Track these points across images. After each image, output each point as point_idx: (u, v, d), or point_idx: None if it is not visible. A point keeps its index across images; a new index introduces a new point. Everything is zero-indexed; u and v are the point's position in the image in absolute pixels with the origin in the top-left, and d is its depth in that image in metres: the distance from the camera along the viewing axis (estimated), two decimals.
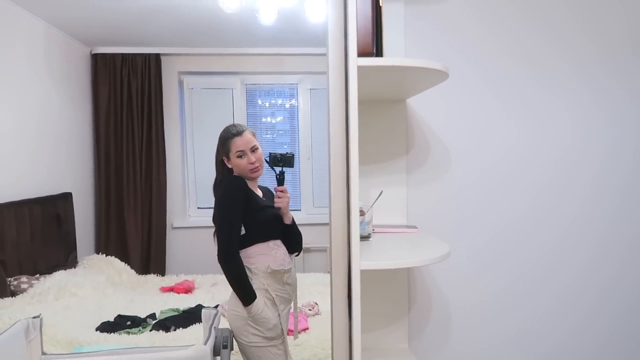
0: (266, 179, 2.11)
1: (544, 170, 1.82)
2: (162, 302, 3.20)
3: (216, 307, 2.67)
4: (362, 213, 1.42)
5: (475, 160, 1.79)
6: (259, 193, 2.08)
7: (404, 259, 1.28)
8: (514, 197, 1.81)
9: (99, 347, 2.41)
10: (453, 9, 1.74)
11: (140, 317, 2.87)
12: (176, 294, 3.47)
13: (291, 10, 3.29)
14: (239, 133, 1.99)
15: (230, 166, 2.02)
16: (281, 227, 2.05)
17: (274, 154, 2.03)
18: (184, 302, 3.19)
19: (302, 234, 2.13)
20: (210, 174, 2.12)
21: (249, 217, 1.95)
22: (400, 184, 1.72)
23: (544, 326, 1.86)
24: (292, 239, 2.09)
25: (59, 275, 3.15)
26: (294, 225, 2.09)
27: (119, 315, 2.88)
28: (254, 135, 2.03)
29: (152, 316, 2.91)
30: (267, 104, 4.83)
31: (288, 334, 2.11)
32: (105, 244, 4.33)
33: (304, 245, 2.17)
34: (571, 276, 1.85)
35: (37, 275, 3.17)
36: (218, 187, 2.05)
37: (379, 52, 1.31)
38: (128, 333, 2.65)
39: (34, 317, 1.87)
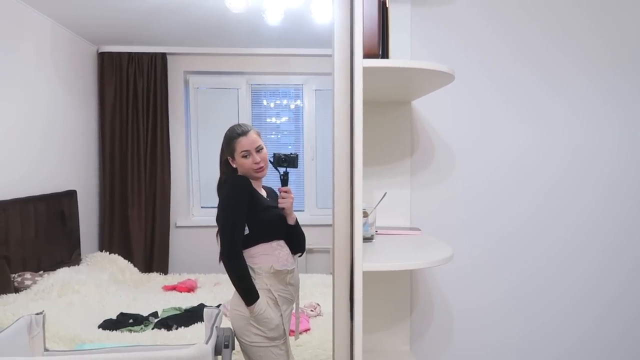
0: (270, 179, 2.11)
1: (551, 173, 1.80)
2: (165, 301, 3.21)
3: (218, 306, 2.67)
4: (365, 214, 1.42)
5: (481, 163, 1.78)
6: (263, 193, 2.08)
7: (406, 260, 1.27)
8: (519, 201, 1.80)
9: (101, 344, 2.42)
10: (460, 10, 1.73)
11: (142, 316, 2.88)
12: (179, 293, 3.48)
13: (297, 10, 3.29)
14: (244, 133, 1.99)
15: (234, 166, 2.02)
16: (285, 228, 2.05)
17: (278, 154, 2.03)
18: (186, 301, 3.19)
19: (306, 235, 2.13)
20: (215, 173, 2.12)
21: (252, 217, 1.95)
22: (404, 186, 1.72)
23: (548, 333, 1.85)
24: (296, 240, 2.09)
25: (63, 272, 3.16)
26: (297, 226, 2.09)
27: (121, 313, 2.88)
28: (259, 135, 2.03)
29: (155, 314, 2.92)
30: (272, 105, 4.84)
31: (290, 335, 2.11)
32: (109, 242, 4.34)
33: (307, 246, 2.17)
34: (578, 282, 1.83)
35: (41, 272, 3.18)
36: (222, 186, 2.05)
37: (384, 54, 1.31)
38: (130, 331, 2.66)
39: (37, 314, 1.88)
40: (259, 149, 1.99)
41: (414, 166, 1.75)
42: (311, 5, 3.15)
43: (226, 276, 1.93)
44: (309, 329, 2.67)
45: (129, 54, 4.39)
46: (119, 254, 3.92)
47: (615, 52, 1.78)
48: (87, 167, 4.26)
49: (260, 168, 2.00)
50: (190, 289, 3.56)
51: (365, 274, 1.16)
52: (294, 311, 2.12)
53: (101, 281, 3.32)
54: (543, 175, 1.80)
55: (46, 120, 3.60)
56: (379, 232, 1.58)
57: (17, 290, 2.90)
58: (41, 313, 1.89)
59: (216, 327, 1.92)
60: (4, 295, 2.74)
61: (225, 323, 2.09)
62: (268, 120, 4.83)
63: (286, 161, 2.02)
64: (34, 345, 1.84)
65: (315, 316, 2.89)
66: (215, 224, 1.97)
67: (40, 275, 3.08)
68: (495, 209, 1.80)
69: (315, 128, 4.75)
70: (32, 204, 3.26)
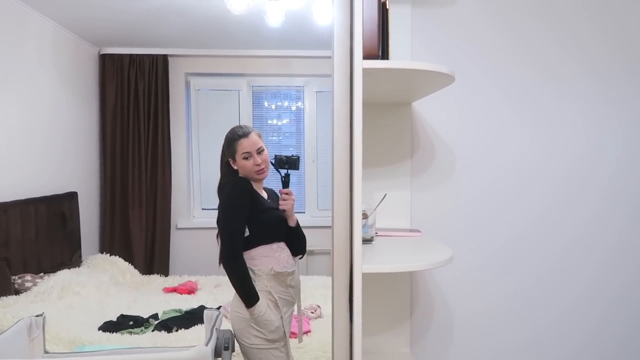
0: (271, 181, 2.11)
1: (554, 176, 1.79)
2: (165, 303, 3.21)
3: (218, 308, 2.66)
4: (365, 216, 1.42)
5: (482, 164, 1.78)
6: (264, 195, 2.07)
7: (406, 262, 1.27)
8: (520, 203, 1.80)
9: (101, 346, 2.42)
10: (461, 11, 1.73)
11: (142, 317, 2.87)
12: (179, 295, 3.47)
13: (298, 12, 3.29)
14: (245, 134, 1.99)
15: (235, 167, 2.02)
16: (285, 230, 2.04)
17: (280, 156, 2.03)
18: (187, 303, 3.19)
19: (306, 237, 2.13)
20: (215, 175, 2.12)
21: (253, 218, 1.95)
22: (405, 187, 1.72)
23: (550, 337, 1.84)
24: (296, 242, 2.08)
25: (63, 274, 3.16)
26: (298, 227, 2.09)
27: (121, 315, 2.88)
28: (260, 136, 2.03)
29: (155, 316, 2.92)
30: (273, 106, 4.84)
31: (291, 337, 2.10)
32: (110, 244, 4.34)
33: (307, 248, 2.16)
34: (580, 287, 1.82)
35: (41, 273, 3.18)
36: (223, 188, 2.05)
37: (384, 55, 1.30)
38: (130, 333, 2.66)
39: (37, 316, 1.88)
40: (260, 151, 1.99)
41: (414, 168, 1.74)
42: (312, 7, 3.15)
43: (227, 278, 1.93)
44: (309, 331, 2.66)
45: (130, 55, 4.39)
46: (119, 256, 3.92)
47: (618, 55, 1.77)
48: (88, 168, 4.26)
49: (261, 170, 1.99)
50: (190, 290, 3.56)
51: (365, 275, 1.15)
52: (295, 313, 2.11)
53: (101, 283, 3.32)
54: (545, 177, 1.79)
55: (47, 121, 3.61)
56: (378, 233, 1.57)
57: (17, 292, 2.90)
58: (41, 315, 1.89)
59: (216, 329, 1.92)
60: (4, 297, 2.74)
61: (226, 325, 2.09)
62: (269, 121, 4.83)
63: (287, 163, 2.02)
64: (33, 348, 1.84)
65: (316, 318, 2.88)
66: (216, 225, 1.97)
67: (41, 277, 3.08)
68: (496, 211, 1.79)
69: (316, 130, 4.75)
70: (33, 206, 3.26)
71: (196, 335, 2.60)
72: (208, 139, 4.72)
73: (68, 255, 3.69)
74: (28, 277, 3.02)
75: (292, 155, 2.03)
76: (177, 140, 4.58)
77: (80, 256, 3.84)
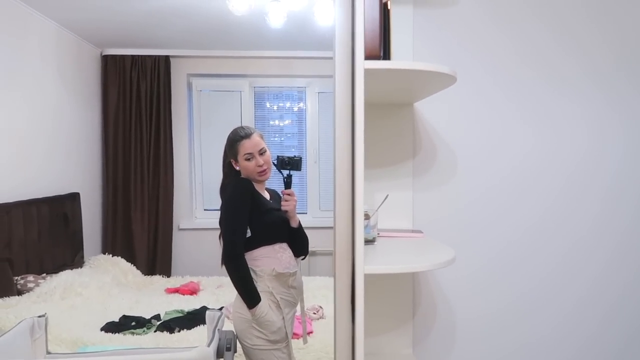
0: (274, 181, 2.11)
1: (557, 177, 1.78)
2: (167, 303, 3.21)
3: (221, 309, 2.67)
4: (367, 217, 1.41)
5: (484, 165, 1.77)
6: (267, 195, 2.07)
7: (408, 263, 1.26)
8: (523, 205, 1.79)
9: (103, 347, 2.42)
10: (463, 11, 1.73)
11: (145, 318, 2.88)
12: (181, 296, 3.48)
13: (300, 13, 3.29)
14: (248, 135, 1.99)
15: (238, 168, 2.02)
16: (287, 230, 2.04)
17: (282, 157, 2.03)
18: (189, 304, 3.19)
19: (308, 237, 2.13)
20: (218, 176, 2.12)
21: (255, 219, 1.95)
22: (406, 188, 1.71)
23: (551, 340, 1.84)
24: (299, 243, 2.08)
25: (65, 275, 3.17)
26: (300, 228, 2.09)
27: (123, 316, 2.88)
28: (262, 137, 2.03)
29: (157, 317, 2.92)
30: (275, 107, 4.84)
31: (295, 338, 2.10)
32: (112, 245, 4.35)
33: (309, 249, 2.16)
34: (582, 289, 1.81)
35: (44, 274, 3.19)
36: (225, 189, 2.05)
37: (386, 55, 1.30)
38: (132, 334, 2.66)
39: (40, 316, 1.88)
40: (262, 152, 1.99)
41: (416, 168, 1.74)
42: (313, 8, 3.15)
43: (229, 279, 1.93)
44: (311, 332, 2.66)
45: (133, 56, 4.40)
46: (121, 257, 3.93)
47: (620, 56, 1.77)
48: (90, 169, 4.27)
49: (264, 171, 2.00)
50: (192, 291, 3.56)
51: (367, 276, 1.15)
52: (297, 314, 2.11)
53: (104, 284, 3.32)
54: (548, 178, 1.79)
55: (50, 122, 3.62)
56: (380, 234, 1.57)
57: (19, 292, 2.90)
58: (44, 316, 1.89)
59: (218, 329, 1.92)
60: (7, 298, 2.75)
61: (228, 326, 2.09)
62: (271, 122, 4.84)
63: (289, 164, 2.02)
64: (36, 348, 1.84)
65: (318, 319, 2.88)
66: (218, 226, 1.97)
67: (43, 278, 3.09)
68: (498, 212, 1.79)
69: (318, 131, 4.76)
70: (35, 207, 3.27)
71: (198, 336, 2.60)
72: (210, 139, 4.72)
73: (70, 256, 3.70)
74: (30, 277, 3.02)
75: (294, 156, 2.03)
76: (179, 141, 4.58)
77: (82, 257, 3.85)
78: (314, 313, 2.91)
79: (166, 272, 4.38)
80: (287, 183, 2.03)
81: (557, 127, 1.78)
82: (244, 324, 1.92)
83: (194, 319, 2.85)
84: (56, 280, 3.04)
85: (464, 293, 1.80)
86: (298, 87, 4.76)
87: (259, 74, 4.62)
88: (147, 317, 2.90)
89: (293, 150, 4.82)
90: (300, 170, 2.05)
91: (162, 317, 2.93)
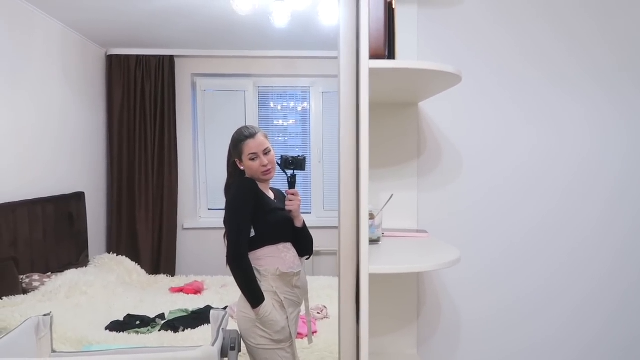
0: (278, 181, 2.11)
1: (561, 177, 1.78)
2: (172, 303, 3.22)
3: (225, 308, 2.67)
4: (371, 216, 1.41)
5: (489, 165, 1.77)
6: (271, 195, 2.07)
7: (413, 263, 1.26)
8: (528, 205, 1.79)
9: (108, 346, 2.43)
10: (468, 11, 1.72)
11: (149, 317, 2.88)
12: (185, 295, 3.48)
13: (304, 13, 3.29)
14: (252, 135, 1.99)
15: (242, 168, 2.02)
16: (292, 230, 2.04)
17: (286, 156, 2.02)
18: (193, 303, 3.20)
19: (312, 237, 2.13)
20: (222, 175, 2.12)
21: (259, 219, 1.95)
22: (411, 188, 1.71)
23: (556, 340, 1.83)
24: (303, 242, 2.08)
25: (70, 274, 3.18)
26: (304, 228, 2.08)
27: (128, 315, 2.89)
28: (266, 137, 2.03)
29: (161, 316, 2.93)
30: (279, 107, 4.85)
31: (299, 338, 2.10)
32: (117, 244, 4.36)
33: (313, 248, 2.16)
34: (586, 289, 1.81)
35: (49, 273, 3.20)
36: (229, 188, 2.06)
37: (391, 55, 1.30)
38: (137, 333, 2.67)
39: (45, 315, 1.89)
40: (266, 152, 1.99)
41: (421, 168, 1.74)
42: (318, 8, 3.15)
43: (233, 278, 1.93)
44: (315, 332, 2.66)
45: (137, 56, 4.41)
46: (126, 256, 3.94)
47: (622, 57, 1.76)
48: (95, 169, 4.29)
49: (268, 170, 2.00)
50: (197, 290, 3.56)
51: (372, 276, 1.15)
52: (301, 314, 2.11)
53: (108, 283, 3.33)
54: (552, 178, 1.78)
55: (55, 122, 3.63)
56: (385, 234, 1.57)
57: (25, 291, 2.91)
58: (49, 314, 1.90)
59: (222, 329, 1.92)
60: (12, 297, 2.76)
61: (232, 325, 2.09)
62: (275, 122, 4.84)
63: (294, 164, 2.02)
64: (41, 347, 1.85)
65: (322, 319, 2.88)
66: (223, 225, 1.98)
67: (48, 277, 3.10)
68: (503, 212, 1.78)
69: (322, 130, 4.76)
70: (41, 206, 3.28)
71: (202, 335, 2.60)
72: (214, 139, 4.73)
73: (75, 255, 3.71)
74: (36, 276, 3.04)
75: (298, 156, 2.03)
76: (183, 140, 4.59)
77: (87, 256, 3.87)
78: (318, 313, 2.91)
79: (170, 271, 4.39)
80: (291, 183, 2.03)
81: (561, 127, 1.77)
82: (248, 324, 1.92)
83: (198, 318, 2.86)
84: (61, 279, 3.06)
85: (469, 293, 1.79)
86: (302, 86, 4.76)
87: (263, 73, 4.63)
88: (152, 316, 2.91)
89: (297, 150, 4.82)
90: (304, 170, 2.05)
91: (166, 316, 2.94)
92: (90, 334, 2.54)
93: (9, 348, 1.66)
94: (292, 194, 2.01)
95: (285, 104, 4.85)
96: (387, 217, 1.66)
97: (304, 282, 2.06)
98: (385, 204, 1.59)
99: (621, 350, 1.83)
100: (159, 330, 2.71)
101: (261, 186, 2.01)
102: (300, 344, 2.29)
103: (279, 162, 2.03)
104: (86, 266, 3.56)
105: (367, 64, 1.11)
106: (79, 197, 3.83)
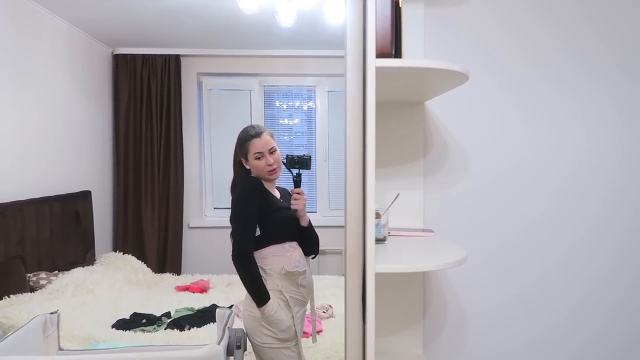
0: (283, 180, 2.11)
1: (562, 175, 1.78)
2: (177, 301, 3.22)
3: (230, 307, 2.67)
4: (378, 216, 1.41)
5: (495, 164, 1.76)
6: (277, 194, 2.08)
7: (419, 262, 1.26)
8: (533, 203, 1.78)
9: (114, 344, 2.43)
10: (474, 10, 1.72)
11: (155, 316, 2.89)
12: (191, 294, 3.49)
13: (310, 12, 3.29)
14: (258, 134, 1.99)
15: (248, 167, 2.03)
16: (297, 229, 2.04)
17: (291, 156, 2.02)
18: (199, 302, 3.21)
19: (318, 236, 2.13)
20: (228, 174, 2.13)
21: (265, 218, 1.95)
22: (417, 187, 1.71)
23: (561, 333, 1.82)
24: (309, 241, 2.08)
25: (77, 272, 3.19)
26: (310, 227, 2.08)
27: (134, 313, 2.90)
28: (272, 136, 2.03)
29: (167, 315, 2.93)
30: (284, 106, 4.85)
31: (305, 337, 2.10)
32: (123, 242, 4.38)
33: (319, 247, 2.16)
34: (590, 282, 1.81)
35: (56, 271, 3.22)
36: (235, 187, 2.06)
37: (397, 54, 1.30)
38: (143, 331, 2.68)
39: (52, 313, 1.90)
40: (272, 151, 1.99)
41: (427, 167, 1.73)
42: (324, 7, 3.14)
43: (238, 277, 1.94)
44: (321, 331, 2.66)
45: (143, 56, 4.43)
46: (132, 255, 3.95)
47: (620, 57, 1.77)
48: (101, 168, 4.30)
49: (274, 170, 2.00)
50: (202, 289, 3.57)
51: (378, 275, 1.15)
52: (307, 313, 2.11)
53: (115, 281, 3.34)
54: (554, 177, 1.78)
55: (62, 121, 3.65)
56: (391, 233, 1.57)
57: (32, 289, 2.93)
58: (56, 312, 1.91)
59: (228, 327, 1.92)
60: (20, 295, 2.77)
61: (238, 324, 2.10)
62: (280, 121, 4.84)
63: (299, 163, 2.02)
64: (48, 344, 1.85)
65: (328, 318, 2.88)
66: (229, 224, 1.98)
67: (55, 275, 3.12)
68: (510, 211, 1.78)
69: (327, 129, 4.75)
70: (48, 205, 3.30)
71: (208, 333, 2.61)
72: (220, 138, 4.74)
73: (82, 253, 3.73)
74: (43, 275, 3.05)
75: (304, 155, 2.03)
76: (189, 139, 4.60)
77: (93, 254, 3.88)
78: (324, 312, 2.91)
79: (176, 270, 4.40)
80: (297, 182, 2.03)
81: (563, 127, 1.77)
82: (253, 322, 1.92)
83: (204, 316, 2.86)
84: (68, 278, 3.07)
85: (475, 293, 1.79)
86: (307, 85, 4.75)
87: (268, 72, 4.63)
88: (158, 314, 2.92)
89: (302, 149, 4.82)
90: (309, 169, 2.04)
91: (172, 314, 2.95)
92: (97, 332, 2.55)
93: (17, 346, 1.67)
94: (298, 193, 2.01)
95: (290, 103, 4.85)
96: (393, 216, 1.66)
97: (309, 281, 2.06)
98: (392, 203, 1.59)
99: (627, 340, 1.82)
100: (165, 329, 2.72)
101: (267, 185, 2.02)
102: (306, 342, 2.29)
103: (285, 161, 2.03)
104: (93, 265, 3.58)
105: (373, 62, 1.11)
106: (85, 195, 3.85)
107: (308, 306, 2.10)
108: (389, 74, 1.21)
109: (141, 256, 4.14)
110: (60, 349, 1.91)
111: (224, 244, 2.08)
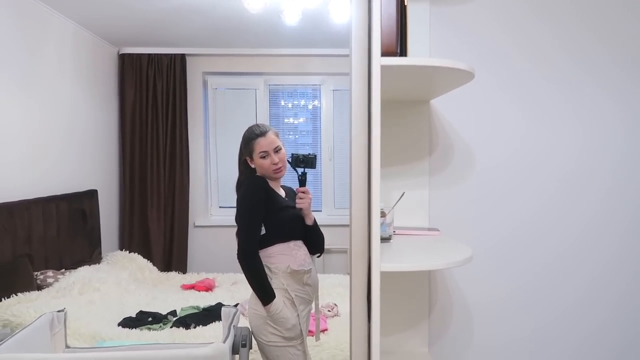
0: (288, 179, 2.11)
1: (565, 172, 1.78)
2: (183, 300, 3.24)
3: (236, 305, 2.68)
4: (383, 214, 1.41)
5: (500, 163, 1.76)
6: (282, 193, 2.08)
7: (424, 261, 1.26)
8: (537, 200, 1.77)
9: (120, 342, 2.45)
10: (479, 8, 1.71)
11: (161, 314, 2.90)
12: (197, 292, 3.50)
13: (315, 11, 3.29)
14: (263, 133, 1.99)
15: (253, 166, 2.03)
16: (302, 228, 2.04)
17: (296, 154, 2.03)
18: (205, 300, 3.22)
19: (323, 235, 2.13)
20: (233, 173, 2.13)
21: (270, 216, 1.96)
22: (423, 186, 1.70)
23: (565, 325, 1.81)
24: (314, 240, 2.08)
25: (84, 271, 3.21)
26: (315, 226, 2.09)
27: (140, 311, 2.91)
28: (277, 135, 2.03)
29: (173, 313, 2.95)
30: (290, 105, 4.85)
31: (310, 335, 2.10)
32: (129, 241, 4.40)
33: (324, 246, 2.16)
34: (594, 274, 1.80)
35: (63, 270, 3.24)
36: (240, 186, 2.06)
37: (403, 52, 1.30)
38: (149, 329, 2.69)
39: (59, 311, 1.91)
40: (277, 150, 1.99)
41: (433, 166, 1.73)
42: (329, 5, 3.14)
43: (244, 276, 1.94)
44: (326, 329, 2.66)
45: (149, 55, 4.44)
46: (138, 253, 3.97)
47: (620, 56, 1.76)
48: (107, 167, 4.32)
49: (279, 169, 2.00)
50: (208, 288, 3.58)
51: (383, 274, 1.15)
52: (312, 311, 2.11)
53: (121, 280, 3.36)
54: (560, 174, 1.77)
55: (68, 120, 3.67)
56: (396, 232, 1.56)
57: (39, 287, 2.95)
58: (62, 310, 1.92)
59: (234, 326, 1.92)
60: (27, 293, 2.79)
61: (243, 322, 2.10)
62: (286, 120, 4.84)
63: (304, 161, 2.02)
64: (55, 342, 1.87)
65: (333, 316, 2.88)
66: (234, 223, 1.98)
67: (62, 273, 3.14)
68: (516, 210, 1.77)
69: (332, 128, 4.75)
70: (54, 203, 3.32)
71: (214, 332, 2.62)
72: (225, 137, 4.75)
73: (88, 252, 3.75)
74: (50, 273, 3.07)
75: (309, 154, 2.03)
76: (194, 138, 4.62)
77: (100, 253, 3.90)
78: (329, 311, 2.91)
79: (182, 268, 4.42)
80: (302, 181, 2.03)
81: (572, 125, 1.76)
82: (259, 321, 1.92)
83: (209, 315, 2.87)
84: (75, 276, 3.09)
85: (481, 292, 1.78)
86: (313, 84, 4.75)
87: (273, 71, 4.63)
88: (164, 312, 2.93)
89: (307, 148, 4.82)
90: (314, 168, 2.04)
91: (178, 313, 2.96)
92: (103, 330, 2.56)
93: (24, 343, 1.68)
94: (303, 192, 2.01)
95: (296, 102, 4.85)
96: (399, 215, 1.66)
97: (315, 279, 2.06)
98: (397, 202, 1.59)
99: (631, 333, 1.81)
100: (171, 327, 2.73)
101: (272, 184, 2.02)
102: (311, 341, 2.29)
103: (290, 160, 2.03)
104: (99, 263, 3.60)
105: (379, 61, 1.11)
106: (91, 194, 3.87)
107: (313, 305, 2.10)
108: (394, 72, 1.21)
109: (147, 255, 4.16)
110: (67, 346, 1.92)
111: (230, 242, 2.08)
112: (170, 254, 4.50)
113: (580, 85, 1.75)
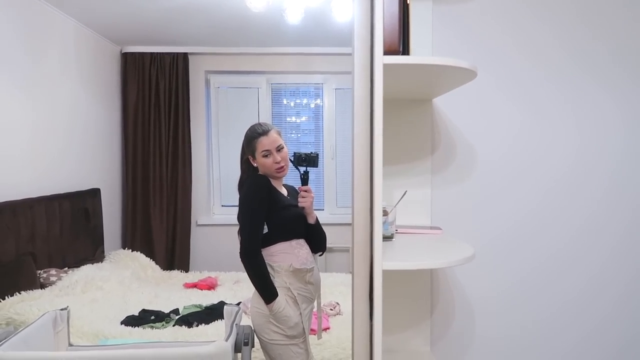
0: (290, 178, 2.11)
1: (568, 171, 1.78)
2: (186, 298, 3.24)
3: (238, 304, 2.68)
4: (385, 213, 1.41)
5: (504, 162, 1.75)
6: (284, 192, 2.08)
7: (426, 260, 1.26)
8: (540, 199, 1.77)
9: (123, 340, 2.45)
10: (482, 7, 1.71)
11: (163, 312, 2.91)
12: (199, 290, 3.51)
13: (318, 9, 3.29)
14: (265, 132, 2.00)
15: (255, 165, 2.03)
16: (305, 227, 2.05)
17: (299, 153, 2.03)
18: (207, 299, 3.22)
19: (326, 234, 2.13)
20: (235, 172, 2.13)
21: (272, 215, 1.96)
22: (425, 185, 1.70)
23: (566, 330, 1.81)
24: (316, 239, 2.08)
25: (87, 269, 3.22)
26: (317, 225, 2.09)
27: (143, 310, 2.92)
28: (279, 134, 2.03)
29: (176, 311, 2.95)
30: (292, 104, 4.85)
31: (313, 334, 2.11)
32: (131, 240, 4.41)
33: (326, 245, 2.16)
34: (596, 268, 1.80)
35: (66, 268, 3.25)
36: (242, 185, 2.06)
37: (405, 51, 1.29)
38: (152, 327, 2.69)
39: (62, 309, 1.92)
40: (279, 149, 2.00)
41: (435, 165, 1.73)
42: (331, 4, 3.14)
43: (246, 274, 1.94)
44: (328, 328, 2.66)
45: (152, 54, 4.45)
46: (141, 252, 3.98)
47: (619, 54, 1.75)
48: (110, 165, 4.33)
49: (281, 167, 2.00)
50: (210, 286, 3.59)
51: (385, 273, 1.15)
52: (314, 310, 2.12)
53: (124, 278, 3.37)
54: (562, 173, 1.77)
55: (70, 119, 3.67)
56: (399, 231, 1.56)
57: (42, 286, 2.96)
58: (66, 309, 1.93)
59: (236, 324, 1.93)
60: (30, 291, 2.80)
61: (245, 321, 2.11)
62: (288, 119, 4.85)
63: (306, 160, 2.02)
64: (58, 340, 1.87)
65: (335, 315, 2.88)
66: (236, 222, 1.99)
67: (65, 272, 3.15)
68: (518, 208, 1.77)
69: (335, 127, 4.75)
70: (57, 202, 3.33)
71: (216, 330, 2.62)
72: (228, 136, 4.75)
73: (91, 250, 3.76)
74: (53, 271, 3.08)
75: (311, 153, 2.03)
76: (197, 137, 4.62)
77: (103, 252, 3.91)
78: (331, 309, 2.91)
79: (184, 267, 4.43)
80: (304, 179, 2.03)
81: (575, 123, 1.76)
82: (261, 319, 1.93)
83: (212, 313, 2.88)
84: (78, 274, 3.10)
85: (484, 291, 1.78)
86: (315, 83, 4.75)
87: (276, 70, 4.63)
88: (166, 311, 2.94)
89: (310, 146, 4.82)
90: (317, 166, 2.04)
91: (180, 311, 2.97)
92: (106, 329, 2.57)
93: (28, 341, 1.69)
94: (305, 191, 2.02)
95: (298, 101, 4.85)
96: (401, 213, 1.66)
97: (317, 278, 2.06)
98: (399, 201, 1.59)
99: (636, 326, 1.81)
100: (173, 325, 2.73)
101: (274, 183, 2.02)
102: (313, 339, 2.29)
103: (292, 158, 2.04)
104: (102, 262, 3.61)
105: (381, 59, 1.11)
106: (94, 193, 3.88)
107: (315, 303, 2.10)
108: (397, 71, 1.20)
109: (150, 253, 4.17)
110: (70, 344, 1.93)
111: (232, 241, 2.08)
112: (172, 252, 4.50)
113: (580, 85, 1.75)
